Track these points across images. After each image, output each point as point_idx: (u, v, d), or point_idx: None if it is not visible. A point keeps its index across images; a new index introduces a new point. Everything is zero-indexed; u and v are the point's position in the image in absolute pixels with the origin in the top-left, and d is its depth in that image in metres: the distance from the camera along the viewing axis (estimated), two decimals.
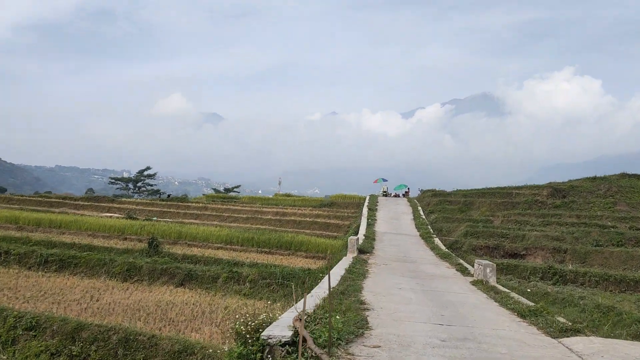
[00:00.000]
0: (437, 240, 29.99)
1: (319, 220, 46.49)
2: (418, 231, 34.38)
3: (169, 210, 55.66)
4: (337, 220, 46.00)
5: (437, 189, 52.44)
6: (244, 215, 50.99)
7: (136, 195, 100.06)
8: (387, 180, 67.67)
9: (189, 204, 58.27)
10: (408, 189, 67.47)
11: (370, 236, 29.32)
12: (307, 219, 47.39)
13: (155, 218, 51.67)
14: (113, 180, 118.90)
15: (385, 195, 61.07)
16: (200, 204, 57.87)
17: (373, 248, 24.56)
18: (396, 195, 64.65)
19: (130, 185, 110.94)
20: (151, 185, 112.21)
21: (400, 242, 28.95)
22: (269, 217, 49.65)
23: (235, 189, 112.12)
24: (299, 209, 53.13)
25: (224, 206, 56.69)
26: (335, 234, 39.83)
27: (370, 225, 35.38)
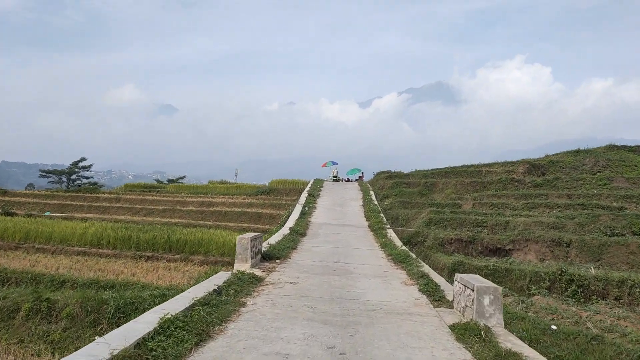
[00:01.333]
0: (390, 233, 21.92)
1: (250, 210, 37.92)
2: (367, 220, 26.27)
3: (72, 202, 45.95)
4: (273, 209, 37.51)
5: (392, 171, 44.59)
6: (161, 207, 41.93)
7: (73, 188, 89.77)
8: (337, 164, 59.50)
9: (100, 195, 48.54)
10: (362, 173, 59.57)
11: (300, 230, 20.93)
12: (236, 209, 38.72)
13: (48, 213, 41.95)
14: (44, 173, 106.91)
15: (336, 180, 52.99)
16: (113, 195, 48.25)
17: (293, 249, 16.14)
18: (348, 181, 56.75)
19: (64, 178, 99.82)
20: (87, 178, 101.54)
21: (341, 236, 20.69)
22: (191, 208, 40.78)
23: (180, 180, 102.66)
24: (229, 198, 44.37)
25: (141, 197, 47.27)
26: (266, 226, 31.45)
27: (305, 214, 27.01)
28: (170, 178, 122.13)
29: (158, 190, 52.99)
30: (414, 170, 43.35)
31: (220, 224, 34.02)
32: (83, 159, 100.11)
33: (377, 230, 22.71)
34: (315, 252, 15.90)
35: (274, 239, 17.71)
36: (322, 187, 40.56)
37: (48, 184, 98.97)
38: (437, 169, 40.51)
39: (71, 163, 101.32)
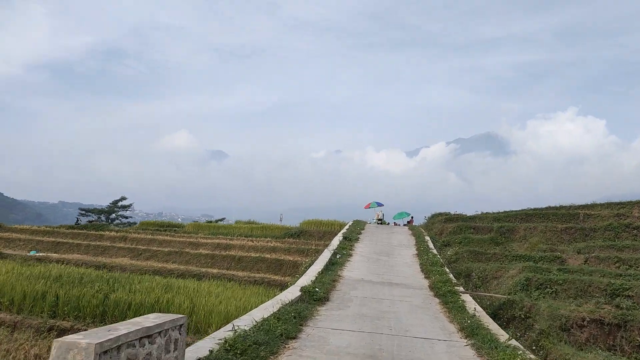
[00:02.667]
0: (470, 302, 13.23)
1: (270, 256, 29.88)
2: (426, 278, 17.65)
3: (70, 241, 39.23)
4: (299, 256, 29.26)
5: (452, 213, 35.68)
6: (167, 249, 34.47)
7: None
8: (382, 205, 50.93)
9: (105, 233, 41.71)
10: (412, 217, 50.78)
11: (319, 292, 12.56)
12: (254, 254, 30.78)
13: (33, 252, 35.13)
14: (83, 212, 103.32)
15: (381, 224, 44.47)
16: (120, 234, 41.30)
17: (289, 341, 7.78)
18: (395, 225, 48.13)
19: (103, 218, 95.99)
20: (126, 218, 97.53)
21: (387, 306, 12.21)
22: (201, 251, 33.16)
23: (220, 221, 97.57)
24: (251, 241, 36.45)
25: (150, 236, 40.04)
26: (287, 278, 23.30)
27: (336, 265, 18.64)
28: (209, 220, 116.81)
29: (175, 230, 45.79)
30: (479, 212, 34.37)
31: (227, 273, 26.02)
32: (123, 198, 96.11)
33: (445, 295, 14.06)
34: (332, 354, 7.49)
35: (264, 310, 9.49)
36: (363, 229, 32.11)
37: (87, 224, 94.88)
38: (513, 211, 31.40)
39: (111, 202, 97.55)
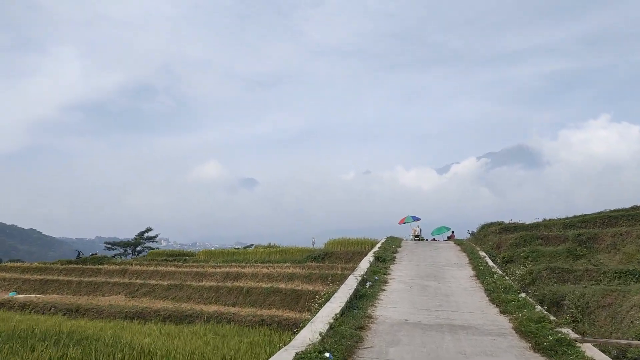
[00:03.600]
0: None
1: (286, 286, 24.30)
2: (502, 313, 11.63)
3: (64, 278, 34.58)
4: (321, 284, 23.50)
5: (507, 222, 29.24)
6: (166, 283, 29.21)
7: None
8: (419, 219, 44.64)
9: (104, 267, 36.68)
10: (453, 232, 44.39)
11: (336, 355, 6.75)
12: (266, 284, 25.14)
13: (13, 293, 30.31)
14: (109, 245, 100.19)
15: (418, 240, 38.35)
16: (120, 267, 36.19)
17: None
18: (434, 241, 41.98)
19: (129, 250, 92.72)
20: (153, 249, 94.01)
21: None
22: (205, 283, 27.76)
23: (248, 247, 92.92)
24: (267, 267, 30.75)
25: (153, 268, 34.84)
26: (304, 314, 17.58)
27: (366, 298, 12.78)
28: (236, 247, 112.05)
29: (185, 259, 40.45)
30: (540, 219, 27.93)
31: (227, 311, 20.36)
32: (149, 229, 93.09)
33: (554, 349, 8.07)
34: None
35: None
36: (399, 247, 26.04)
37: (115, 258, 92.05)
38: (588, 214, 24.93)
39: (137, 234, 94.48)
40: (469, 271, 18.40)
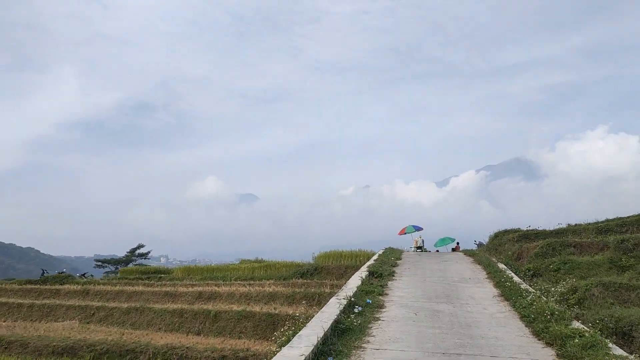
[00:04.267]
0: None
1: (260, 309, 19.88)
2: (561, 357, 7.32)
3: (14, 300, 30.40)
4: (305, 304, 19.23)
5: (525, 229, 24.95)
6: (126, 305, 24.88)
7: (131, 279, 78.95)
8: (421, 229, 40.36)
9: (63, 287, 32.32)
10: (458, 243, 40.12)
11: None
12: (237, 306, 20.84)
13: None
14: (100, 263, 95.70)
15: (420, 251, 34.21)
16: (83, 287, 31.80)
17: None
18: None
19: (120, 268, 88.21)
20: (145, 266, 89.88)
21: None
22: (172, 305, 23.46)
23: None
24: (245, 285, 26.43)
25: (117, 288, 30.48)
26: (269, 347, 13.06)
27: (351, 333, 8.52)
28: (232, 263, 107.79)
29: (160, 277, 36.08)
30: (562, 225, 23.65)
31: (180, 345, 15.97)
32: (140, 246, 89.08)
33: None
34: None
35: None
36: (399, 260, 21.75)
37: (105, 275, 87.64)
38: (630, 216, 20.72)
39: (128, 251, 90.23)
40: (490, 289, 14.15)
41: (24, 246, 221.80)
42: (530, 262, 18.71)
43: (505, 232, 25.63)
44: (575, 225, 22.98)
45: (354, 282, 14.12)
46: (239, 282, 29.54)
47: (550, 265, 17.58)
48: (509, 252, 21.23)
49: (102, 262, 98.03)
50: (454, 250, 39.50)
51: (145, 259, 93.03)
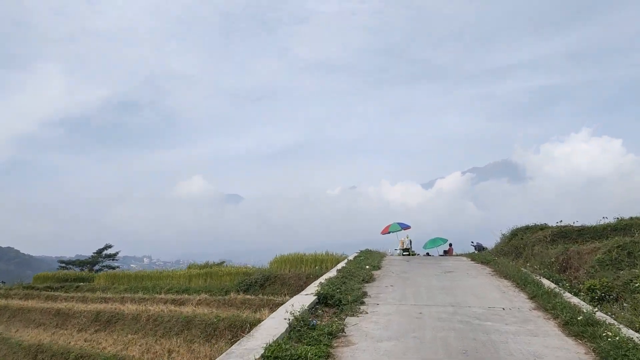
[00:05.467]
0: None
1: (141, 357, 12.03)
2: None
3: None
4: (222, 341, 11.60)
5: (557, 224, 17.56)
6: None
7: None
8: (409, 227, 33.00)
9: None
10: (450, 245, 32.95)
11: None
12: (112, 345, 13.03)
13: None
14: (64, 265, 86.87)
15: (407, 254, 27.16)
16: None
17: None
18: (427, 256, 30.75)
19: (86, 269, 79.78)
20: (113, 268, 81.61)
21: None
22: (44, 333, 15.52)
23: (220, 264, 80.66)
24: (167, 303, 18.78)
25: (4, 302, 22.65)
26: None
27: None
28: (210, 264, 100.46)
29: (77, 286, 28.26)
30: (605, 220, 16.28)
31: None
32: (108, 246, 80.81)
33: None
34: None
35: None
36: (377, 269, 14.27)
37: None
38: None
39: (94, 252, 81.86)
40: (560, 340, 6.71)
41: (3, 245, 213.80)
42: (592, 276, 11.35)
43: (528, 228, 18.23)
44: (634, 218, 15.68)
45: (272, 327, 6.57)
46: (169, 294, 22.01)
47: (630, 281, 10.26)
48: (546, 259, 13.83)
49: (67, 263, 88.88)
50: (446, 252, 32.49)
51: (113, 260, 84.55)
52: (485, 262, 15.44)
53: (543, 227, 17.17)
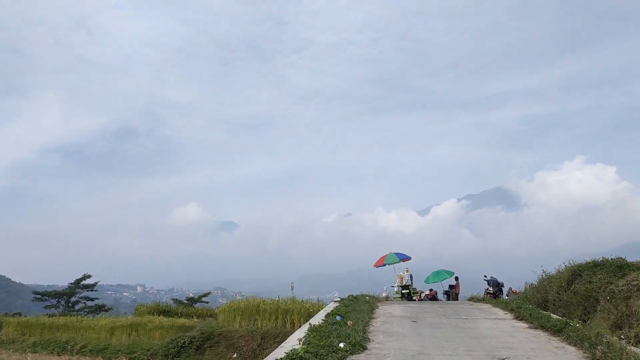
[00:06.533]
0: None
1: None
2: None
3: None
4: None
5: (611, 258, 11.30)
6: None
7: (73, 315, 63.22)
8: (409, 259, 26.66)
9: None
10: (457, 279, 26.63)
11: None
12: None
13: None
14: (38, 296, 78.95)
15: (407, 295, 21.04)
16: None
17: None
18: (432, 297, 24.62)
19: (62, 301, 72.09)
20: (92, 300, 74.15)
21: None
22: None
23: (202, 299, 73.19)
24: None
25: None
26: None
27: None
28: (190, 296, 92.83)
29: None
30: None
31: None
32: (86, 276, 73.23)
33: None
34: None
35: None
36: (362, 347, 7.94)
37: (44, 310, 71.56)
38: None
39: (72, 282, 74.15)
40: None
41: None
42: None
43: (597, 266, 11.85)
44: None
45: None
46: (82, 353, 15.53)
47: None
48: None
49: (42, 294, 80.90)
50: (452, 287, 26.48)
51: (91, 290, 77.03)
52: (555, 329, 8.97)
53: (632, 266, 10.82)
